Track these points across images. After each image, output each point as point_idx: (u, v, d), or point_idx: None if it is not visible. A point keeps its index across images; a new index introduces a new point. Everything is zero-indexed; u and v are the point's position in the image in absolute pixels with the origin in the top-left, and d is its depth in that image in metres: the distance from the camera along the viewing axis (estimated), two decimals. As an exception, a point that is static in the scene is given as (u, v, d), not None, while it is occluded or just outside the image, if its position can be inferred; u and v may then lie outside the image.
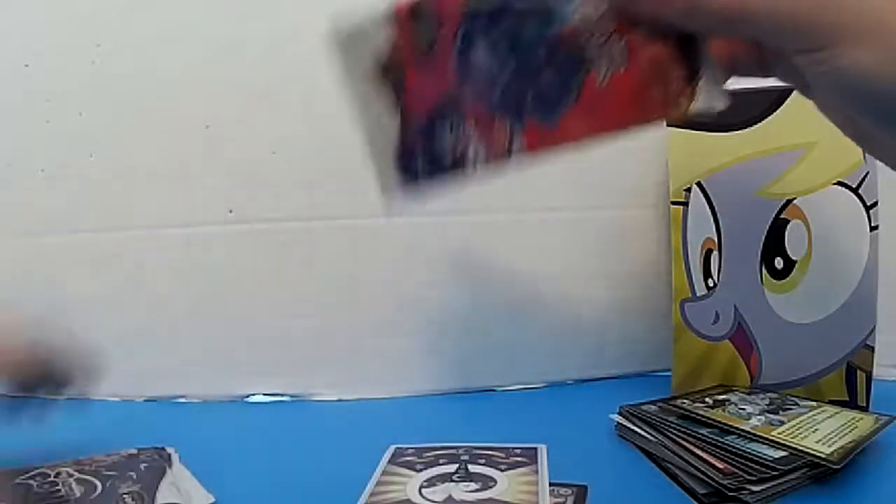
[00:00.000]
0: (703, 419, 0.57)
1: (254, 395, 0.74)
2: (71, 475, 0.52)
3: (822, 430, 0.54)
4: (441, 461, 0.49)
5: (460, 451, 0.50)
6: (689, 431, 0.55)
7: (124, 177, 0.73)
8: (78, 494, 0.50)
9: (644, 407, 0.61)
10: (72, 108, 0.73)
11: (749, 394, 0.64)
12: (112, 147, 0.73)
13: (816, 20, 0.32)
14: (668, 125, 0.60)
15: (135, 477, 0.52)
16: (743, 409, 0.59)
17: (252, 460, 0.58)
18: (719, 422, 0.56)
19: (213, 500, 0.51)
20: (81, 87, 0.73)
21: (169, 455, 0.56)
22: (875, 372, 0.63)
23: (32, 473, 0.52)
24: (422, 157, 0.37)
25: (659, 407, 0.61)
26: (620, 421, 0.61)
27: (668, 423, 0.57)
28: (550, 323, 0.76)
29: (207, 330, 0.73)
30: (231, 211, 0.73)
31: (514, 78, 0.35)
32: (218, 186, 0.73)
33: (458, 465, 0.48)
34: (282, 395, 0.74)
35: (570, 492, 0.48)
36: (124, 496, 0.49)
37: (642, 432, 0.58)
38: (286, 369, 0.74)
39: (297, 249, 0.73)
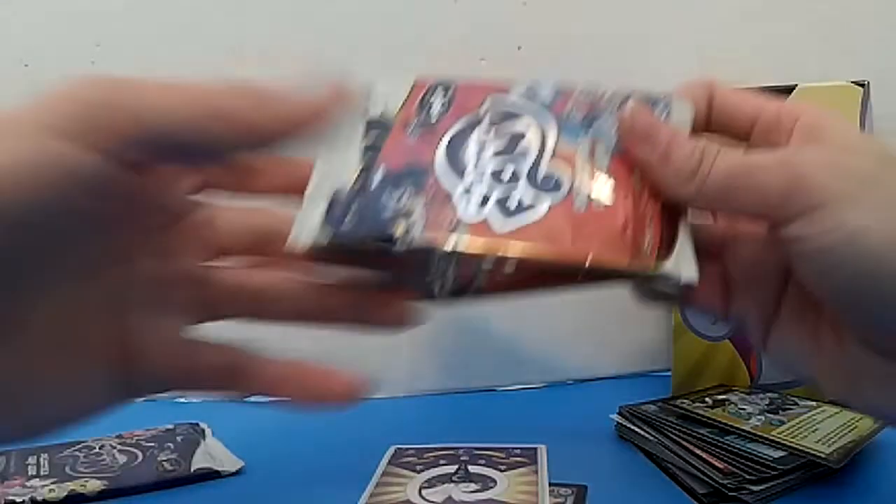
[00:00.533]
0: (703, 419, 0.57)
1: (254, 395, 0.74)
2: (114, 447, 0.59)
3: (821, 430, 0.54)
4: (441, 462, 0.48)
5: (460, 452, 0.50)
6: (688, 431, 0.55)
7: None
8: (121, 462, 0.56)
9: (644, 407, 0.61)
10: (72, 108, 0.73)
11: (749, 394, 0.64)
12: (112, 147, 0.73)
13: (817, 182, 0.31)
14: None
15: (172, 447, 0.58)
16: (743, 409, 0.59)
17: (252, 460, 0.58)
18: (719, 422, 0.56)
19: (242, 464, 0.57)
20: (81, 87, 0.73)
21: (203, 429, 0.62)
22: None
23: (79, 447, 0.59)
24: (354, 212, 0.33)
25: (659, 407, 0.61)
26: (620, 421, 0.61)
27: (667, 423, 0.57)
28: (550, 323, 0.76)
29: (206, 330, 0.73)
30: (231, 211, 0.73)
31: (490, 178, 0.34)
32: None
33: (458, 466, 0.48)
34: (282, 395, 0.74)
35: (569, 492, 0.48)
36: (163, 462, 0.56)
37: (642, 432, 0.58)
38: (286, 369, 0.74)
39: (297, 249, 0.73)
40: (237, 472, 0.56)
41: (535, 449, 0.49)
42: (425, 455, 0.50)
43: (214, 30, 0.72)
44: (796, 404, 0.60)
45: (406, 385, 0.74)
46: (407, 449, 0.51)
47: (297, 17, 0.72)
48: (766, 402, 0.61)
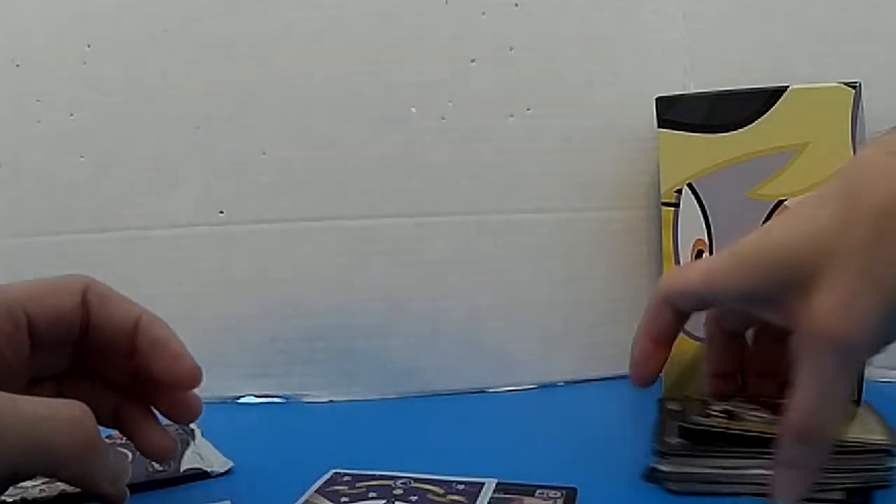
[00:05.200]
0: (758, 435, 0.49)
1: (245, 396, 0.74)
2: None
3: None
4: (370, 495, 0.46)
5: (396, 484, 0.47)
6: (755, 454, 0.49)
7: (114, 178, 0.73)
8: None
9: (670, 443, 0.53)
10: (63, 109, 0.73)
11: (744, 400, 0.60)
12: (102, 148, 0.73)
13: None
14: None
15: None
16: (761, 416, 0.53)
17: (241, 461, 0.58)
18: (757, 432, 0.49)
19: (231, 465, 0.57)
20: (72, 87, 0.73)
21: (192, 430, 0.61)
22: (867, 373, 0.63)
23: None
24: None
25: (684, 443, 0.52)
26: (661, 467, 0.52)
27: (730, 453, 0.50)
28: (541, 325, 0.76)
29: (197, 331, 0.73)
30: (222, 212, 0.73)
31: None
32: (208, 187, 0.73)
33: (385, 501, 0.45)
34: (273, 396, 0.74)
35: (558, 494, 0.47)
36: (153, 462, 0.54)
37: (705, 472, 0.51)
38: (277, 370, 0.74)
39: (288, 250, 0.73)
40: (226, 473, 0.56)
41: (481, 484, 0.47)
42: (358, 484, 0.47)
43: (205, 31, 0.72)
44: None
45: (397, 387, 0.74)
46: (344, 475, 0.49)
47: (288, 19, 0.72)
48: (762, 406, 0.57)
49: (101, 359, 0.47)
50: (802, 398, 0.42)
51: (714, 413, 0.53)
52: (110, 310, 0.45)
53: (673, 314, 0.51)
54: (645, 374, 0.53)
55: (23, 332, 0.42)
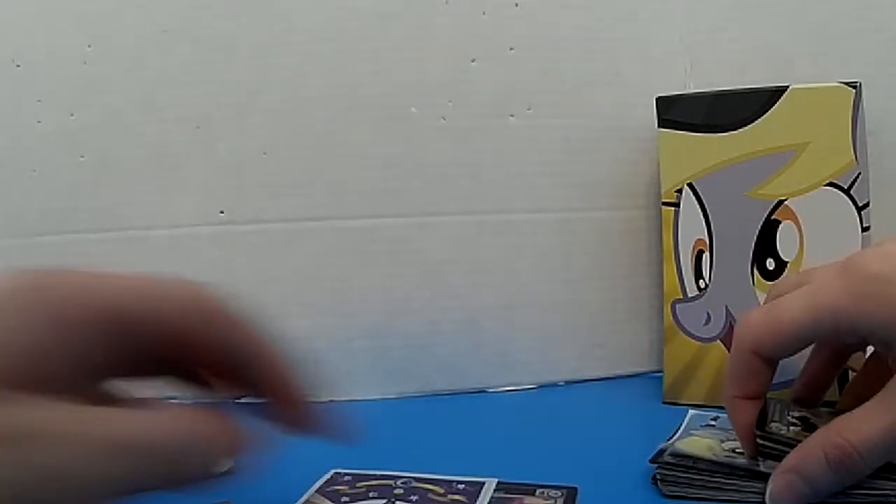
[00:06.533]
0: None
1: (245, 395, 0.74)
2: None
3: None
4: (371, 494, 0.46)
5: (396, 484, 0.47)
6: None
7: (114, 178, 0.73)
8: None
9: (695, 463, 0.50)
10: (63, 109, 0.73)
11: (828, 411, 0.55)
12: (103, 148, 0.73)
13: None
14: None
15: None
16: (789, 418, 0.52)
17: (244, 460, 0.58)
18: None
19: (232, 464, 0.54)
20: (73, 87, 0.73)
21: None
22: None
23: None
24: None
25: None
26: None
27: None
28: (541, 324, 0.76)
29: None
30: (222, 212, 0.73)
31: None
32: (209, 187, 0.73)
33: (386, 501, 0.45)
34: (273, 396, 0.74)
35: (559, 494, 0.47)
36: None
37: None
38: (277, 370, 0.74)
39: (287, 250, 0.73)
40: (226, 473, 0.56)
41: (482, 483, 0.47)
42: (359, 484, 0.47)
43: (205, 31, 0.72)
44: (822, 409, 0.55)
45: (396, 386, 0.74)
46: (344, 475, 0.49)
47: (289, 19, 0.72)
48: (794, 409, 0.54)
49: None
50: (862, 424, 0.42)
51: (792, 420, 0.51)
52: (220, 334, 0.38)
53: (766, 365, 0.48)
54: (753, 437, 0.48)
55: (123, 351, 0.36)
